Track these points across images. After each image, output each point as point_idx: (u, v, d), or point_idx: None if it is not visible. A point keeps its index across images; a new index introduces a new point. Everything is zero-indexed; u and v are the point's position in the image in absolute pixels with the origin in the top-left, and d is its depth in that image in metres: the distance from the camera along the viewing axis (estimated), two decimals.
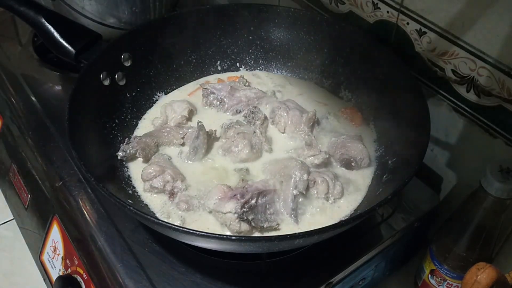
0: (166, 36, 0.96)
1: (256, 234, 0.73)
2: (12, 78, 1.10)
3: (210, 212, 0.75)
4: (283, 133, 0.89)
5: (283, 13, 0.99)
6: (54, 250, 0.89)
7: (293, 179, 0.76)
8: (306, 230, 0.60)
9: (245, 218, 0.71)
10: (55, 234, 0.88)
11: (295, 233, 0.59)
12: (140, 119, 0.93)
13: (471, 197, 0.75)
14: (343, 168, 0.83)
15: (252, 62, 1.04)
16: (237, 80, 0.98)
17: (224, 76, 1.02)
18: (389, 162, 0.81)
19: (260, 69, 1.04)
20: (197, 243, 0.68)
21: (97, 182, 0.66)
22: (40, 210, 0.94)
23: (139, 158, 0.84)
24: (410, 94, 0.81)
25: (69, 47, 0.89)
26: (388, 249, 0.83)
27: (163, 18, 1.00)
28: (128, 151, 0.82)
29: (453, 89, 0.83)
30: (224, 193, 0.74)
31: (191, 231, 0.59)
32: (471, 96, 0.80)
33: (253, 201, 0.72)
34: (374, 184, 0.81)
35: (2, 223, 1.10)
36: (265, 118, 0.90)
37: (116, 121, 0.88)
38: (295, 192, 0.75)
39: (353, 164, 0.82)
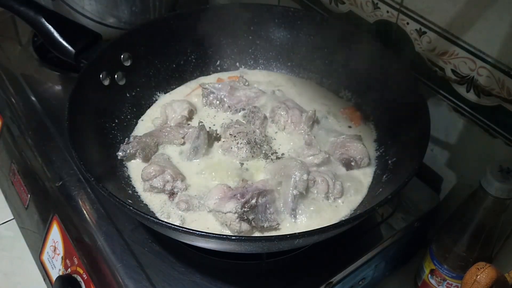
0: (166, 36, 0.96)
1: (256, 234, 0.73)
2: (12, 78, 1.10)
3: (210, 211, 0.75)
4: (282, 132, 0.89)
5: (283, 13, 0.99)
6: (54, 250, 0.89)
7: (292, 179, 0.76)
8: (306, 230, 0.60)
9: (246, 217, 0.71)
10: (55, 234, 0.88)
11: (295, 233, 0.59)
12: (140, 118, 0.93)
13: (471, 197, 0.75)
14: (343, 168, 0.83)
15: (252, 62, 1.04)
16: (237, 79, 0.98)
17: (224, 75, 1.02)
18: (389, 162, 0.81)
19: (260, 69, 1.04)
20: (197, 243, 0.68)
21: (96, 182, 0.66)
22: (40, 210, 0.94)
23: (139, 158, 0.83)
24: (410, 94, 0.81)
25: (69, 47, 0.89)
26: (388, 249, 0.83)
27: (163, 18, 1.00)
28: (128, 151, 0.82)
29: (453, 89, 0.83)
30: (224, 193, 0.74)
31: (191, 231, 0.59)
32: (471, 96, 0.80)
33: (253, 201, 0.72)
34: (374, 184, 0.81)
35: (2, 223, 1.10)
36: (265, 117, 0.90)
37: (116, 121, 0.88)
38: (295, 192, 0.75)
39: (352, 163, 0.82)
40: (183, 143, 0.87)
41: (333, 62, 0.97)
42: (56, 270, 0.89)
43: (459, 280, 0.81)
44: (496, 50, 0.73)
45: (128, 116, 0.91)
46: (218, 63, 1.03)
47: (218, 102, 0.94)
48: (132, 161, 0.84)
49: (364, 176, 0.82)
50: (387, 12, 0.89)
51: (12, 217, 1.10)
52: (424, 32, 0.83)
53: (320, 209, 0.77)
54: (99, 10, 1.05)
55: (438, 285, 0.85)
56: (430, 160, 0.92)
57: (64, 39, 0.89)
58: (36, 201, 0.96)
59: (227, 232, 0.73)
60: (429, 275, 0.85)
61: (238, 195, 0.72)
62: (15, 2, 0.91)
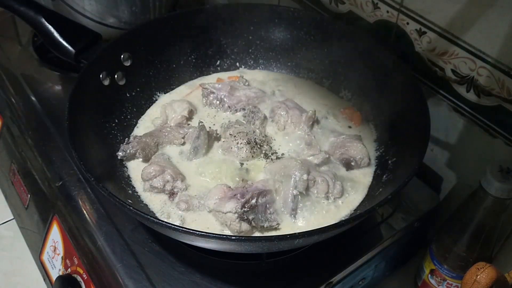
0: (166, 36, 0.96)
1: (256, 234, 0.73)
2: (12, 78, 1.10)
3: (210, 211, 0.75)
4: (282, 132, 0.89)
5: (283, 13, 0.99)
6: (54, 250, 0.89)
7: (292, 179, 0.76)
8: (306, 230, 0.60)
9: (246, 217, 0.71)
10: (55, 234, 0.88)
11: (295, 233, 0.59)
12: (140, 118, 0.93)
13: (471, 197, 0.75)
14: (343, 168, 0.83)
15: (252, 62, 1.04)
16: (237, 79, 0.99)
17: (224, 75, 1.02)
18: (389, 162, 0.81)
19: (260, 69, 1.04)
20: (197, 243, 0.68)
21: (96, 182, 0.66)
22: (40, 210, 0.94)
23: (139, 158, 0.83)
24: (410, 94, 0.81)
25: (69, 47, 0.89)
26: (388, 249, 0.83)
27: (163, 18, 1.00)
28: (128, 151, 0.82)
29: (453, 89, 0.83)
30: (224, 193, 0.74)
31: (191, 231, 0.59)
32: (471, 96, 0.80)
33: (253, 201, 0.72)
34: (374, 184, 0.81)
35: (2, 223, 1.10)
36: (265, 117, 0.90)
37: (116, 120, 0.88)
38: (294, 192, 0.75)
39: (352, 163, 0.82)
40: (183, 143, 0.87)
41: (333, 62, 0.97)
42: (56, 270, 0.89)
43: (459, 280, 0.81)
44: (496, 50, 0.73)
45: (128, 116, 0.91)
46: (218, 63, 1.03)
47: (218, 102, 0.94)
48: (132, 161, 0.84)
49: (364, 176, 0.82)
50: (387, 12, 0.89)
51: (12, 217, 1.10)
52: (424, 32, 0.83)
53: (320, 209, 0.77)
54: (99, 10, 1.05)
55: (438, 285, 0.85)
56: (430, 160, 0.91)
57: (64, 39, 0.89)
58: (36, 201, 0.96)
59: (227, 232, 0.73)
60: (429, 275, 0.85)
61: (238, 195, 0.72)
62: (15, 2, 0.91)
